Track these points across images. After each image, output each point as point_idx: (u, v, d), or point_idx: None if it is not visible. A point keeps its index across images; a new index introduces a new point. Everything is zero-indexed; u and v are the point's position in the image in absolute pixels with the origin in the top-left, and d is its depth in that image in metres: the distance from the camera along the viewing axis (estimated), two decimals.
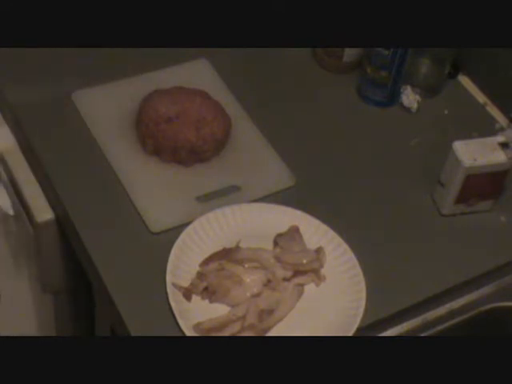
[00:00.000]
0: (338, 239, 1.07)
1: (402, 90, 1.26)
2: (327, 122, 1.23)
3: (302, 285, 1.04)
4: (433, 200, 1.15)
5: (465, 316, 1.06)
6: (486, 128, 1.24)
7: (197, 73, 1.25)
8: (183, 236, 1.05)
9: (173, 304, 0.98)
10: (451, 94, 1.30)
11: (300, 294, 1.03)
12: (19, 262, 1.35)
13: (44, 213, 1.16)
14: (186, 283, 1.01)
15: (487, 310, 1.07)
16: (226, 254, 1.04)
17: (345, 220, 1.10)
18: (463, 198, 1.12)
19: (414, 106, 1.26)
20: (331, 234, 1.08)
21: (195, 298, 1.01)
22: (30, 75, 1.22)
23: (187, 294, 1.00)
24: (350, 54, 1.27)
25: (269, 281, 1.03)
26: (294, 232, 1.08)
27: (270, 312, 1.01)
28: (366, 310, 1.01)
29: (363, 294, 1.02)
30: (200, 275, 1.02)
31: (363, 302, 1.01)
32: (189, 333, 0.96)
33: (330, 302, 1.03)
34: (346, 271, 1.05)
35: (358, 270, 1.04)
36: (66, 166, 1.12)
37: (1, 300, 1.43)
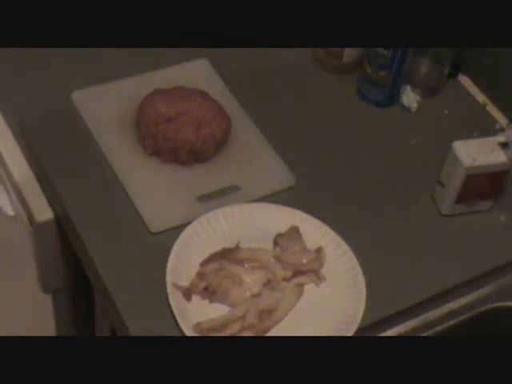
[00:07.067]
0: (338, 239, 1.07)
1: (401, 90, 1.26)
2: (327, 122, 1.23)
3: (302, 285, 1.04)
4: (433, 200, 1.15)
5: (465, 316, 1.06)
6: (486, 128, 1.24)
7: (197, 73, 1.25)
8: (183, 236, 1.05)
9: (173, 304, 0.98)
10: (451, 94, 1.30)
11: (300, 293, 1.03)
12: (19, 262, 1.35)
13: (44, 213, 1.16)
14: (185, 283, 1.01)
15: (487, 310, 1.07)
16: (226, 254, 1.04)
17: (345, 220, 1.10)
18: (463, 197, 1.12)
19: (414, 105, 1.26)
20: (331, 234, 1.08)
21: (195, 298, 1.01)
22: (30, 75, 1.22)
23: (187, 293, 1.00)
24: (349, 54, 1.27)
25: (269, 281, 1.03)
26: (293, 232, 1.08)
27: (270, 312, 1.01)
28: (366, 310, 1.01)
29: (363, 294, 1.02)
30: (200, 275, 1.02)
31: (363, 302, 1.01)
32: (189, 333, 0.96)
33: (329, 302, 1.03)
34: (346, 271, 1.05)
35: (358, 270, 1.04)
36: (66, 166, 1.12)
37: (0, 300, 1.43)
